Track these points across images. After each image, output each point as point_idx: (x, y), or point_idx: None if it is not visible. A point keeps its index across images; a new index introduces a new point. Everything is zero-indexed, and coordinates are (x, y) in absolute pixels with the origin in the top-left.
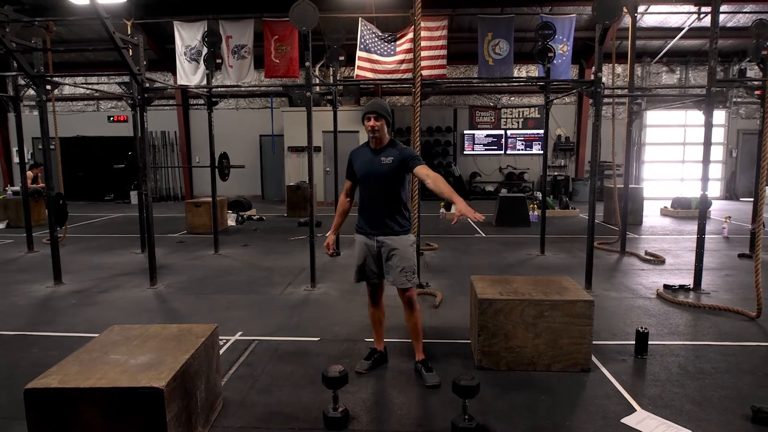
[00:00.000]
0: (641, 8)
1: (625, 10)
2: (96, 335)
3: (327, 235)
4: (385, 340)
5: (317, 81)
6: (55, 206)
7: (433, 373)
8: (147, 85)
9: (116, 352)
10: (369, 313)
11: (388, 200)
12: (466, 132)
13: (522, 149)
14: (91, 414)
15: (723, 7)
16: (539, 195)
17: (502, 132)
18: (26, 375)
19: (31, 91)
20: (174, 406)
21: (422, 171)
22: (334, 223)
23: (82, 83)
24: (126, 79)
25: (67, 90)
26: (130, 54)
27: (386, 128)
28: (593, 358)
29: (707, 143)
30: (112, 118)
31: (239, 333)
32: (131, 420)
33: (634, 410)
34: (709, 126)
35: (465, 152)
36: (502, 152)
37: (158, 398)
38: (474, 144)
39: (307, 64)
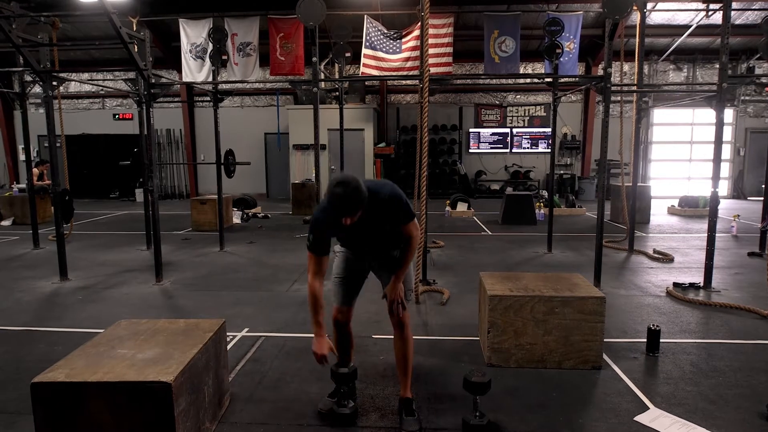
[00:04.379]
0: (649, 5)
1: (634, 6)
2: (102, 331)
3: (314, 340)
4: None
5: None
6: (61, 202)
7: (415, 418)
8: (153, 80)
9: (123, 346)
10: (335, 338)
11: (383, 243)
12: (471, 130)
13: (528, 147)
14: (99, 408)
15: (732, 4)
16: (545, 193)
17: (507, 130)
18: (33, 370)
19: (37, 89)
20: (182, 401)
21: (410, 229)
22: (317, 321)
23: (88, 80)
24: (132, 75)
25: (73, 88)
26: (136, 50)
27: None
28: (604, 356)
29: (718, 141)
30: (117, 116)
31: (246, 329)
32: (139, 414)
33: (647, 408)
34: (720, 123)
35: (470, 150)
36: (508, 150)
37: (167, 393)
38: (479, 142)
39: (314, 59)
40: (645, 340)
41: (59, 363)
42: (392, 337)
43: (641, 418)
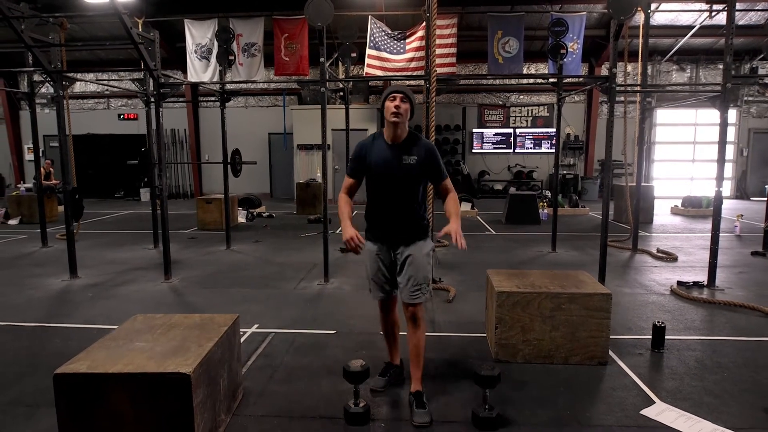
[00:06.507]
0: (653, 5)
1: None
2: (115, 327)
3: (343, 229)
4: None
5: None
6: (71, 201)
7: (425, 411)
8: (163, 80)
9: (141, 339)
10: (381, 325)
11: (408, 204)
12: (474, 130)
13: (531, 148)
14: (120, 399)
15: (736, 5)
16: (548, 193)
17: (510, 130)
18: (48, 364)
19: (43, 90)
20: (200, 393)
21: (447, 186)
22: (347, 214)
23: (96, 80)
24: (138, 75)
25: (78, 88)
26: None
27: (408, 117)
28: (610, 352)
29: (722, 141)
30: (122, 116)
31: (255, 326)
32: (159, 405)
33: (653, 402)
34: (724, 123)
35: (474, 150)
36: (511, 151)
37: (186, 384)
38: (483, 142)
39: (321, 59)
40: (650, 336)
41: (80, 355)
42: (401, 333)
43: (647, 412)
